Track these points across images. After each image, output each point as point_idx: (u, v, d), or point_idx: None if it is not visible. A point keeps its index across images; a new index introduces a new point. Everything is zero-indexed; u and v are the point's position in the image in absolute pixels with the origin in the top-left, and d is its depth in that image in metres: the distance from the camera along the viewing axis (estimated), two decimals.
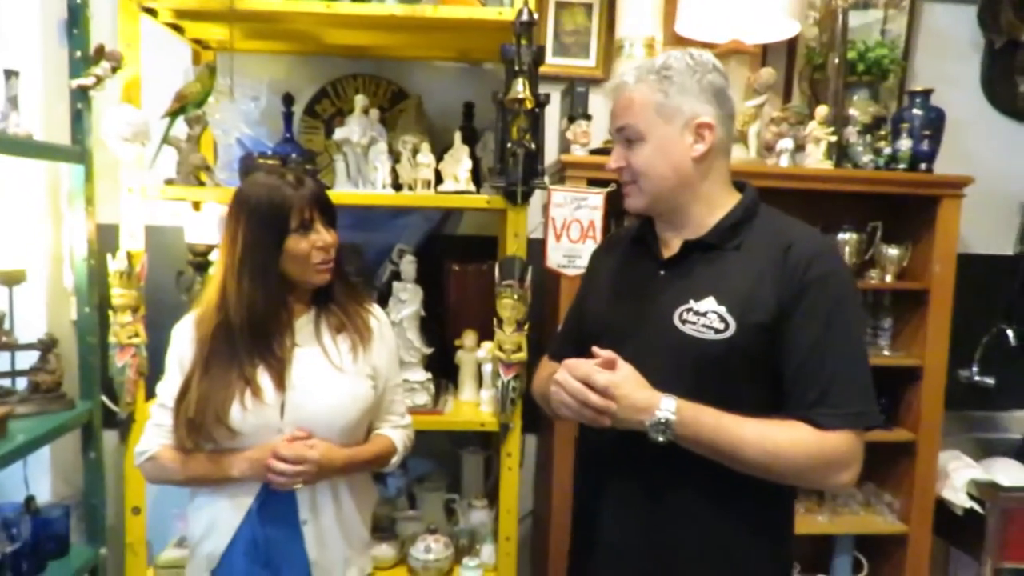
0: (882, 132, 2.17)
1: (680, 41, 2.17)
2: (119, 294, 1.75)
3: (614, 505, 1.27)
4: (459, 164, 1.92)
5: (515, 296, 1.78)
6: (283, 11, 1.76)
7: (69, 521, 1.90)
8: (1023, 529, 2.11)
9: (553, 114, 2.19)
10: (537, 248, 1.95)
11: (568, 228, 1.86)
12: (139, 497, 1.84)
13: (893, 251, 2.21)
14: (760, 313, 1.14)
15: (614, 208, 1.80)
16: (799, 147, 2.12)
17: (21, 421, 1.74)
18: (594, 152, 1.99)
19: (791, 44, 2.38)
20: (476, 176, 1.98)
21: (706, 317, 1.16)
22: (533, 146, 1.74)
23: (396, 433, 1.52)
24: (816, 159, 2.08)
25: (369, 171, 1.91)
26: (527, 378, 1.73)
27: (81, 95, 1.85)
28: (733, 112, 1.26)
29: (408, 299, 1.94)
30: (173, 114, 1.82)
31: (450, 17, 1.77)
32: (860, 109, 2.23)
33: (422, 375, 1.95)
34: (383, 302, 1.88)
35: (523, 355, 1.81)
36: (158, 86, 1.87)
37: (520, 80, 1.70)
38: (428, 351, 1.98)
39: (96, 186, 1.93)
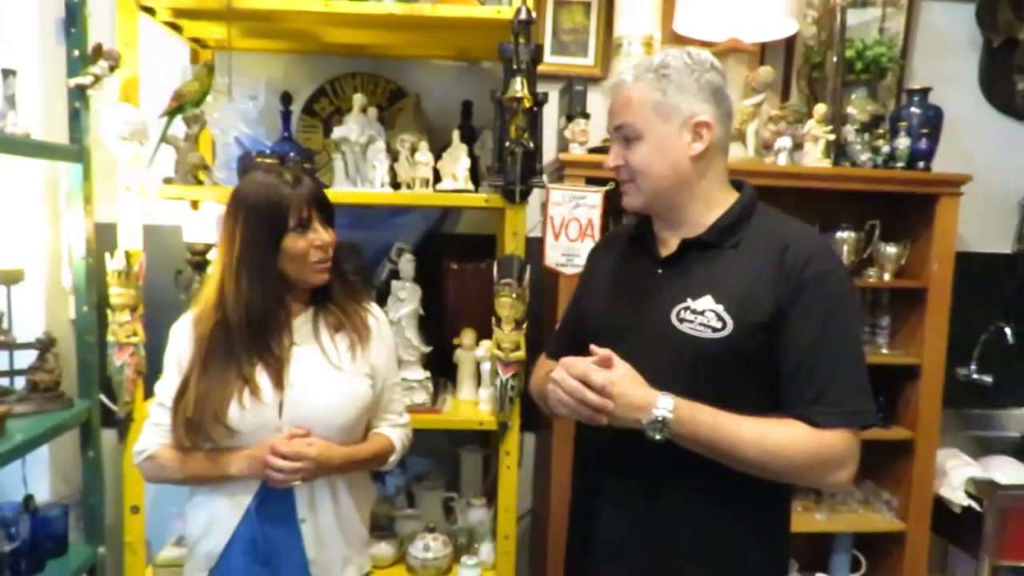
0: (880, 130, 2.17)
1: (678, 40, 2.17)
2: (117, 293, 1.76)
3: (611, 503, 1.27)
4: (457, 163, 1.92)
5: (513, 295, 1.78)
6: (281, 10, 1.75)
7: (68, 520, 1.91)
8: (1021, 527, 2.10)
9: (551, 113, 2.20)
10: (535, 247, 1.95)
11: (566, 227, 1.86)
12: (138, 496, 1.84)
13: (891, 249, 2.21)
14: (757, 312, 1.14)
15: (612, 207, 1.80)
16: (797, 145, 2.11)
17: (20, 420, 1.75)
18: (592, 151, 1.99)
19: (789, 42, 2.38)
20: (474, 175, 1.98)
21: (703, 316, 1.16)
22: (531, 145, 1.75)
23: (394, 432, 1.52)
24: (814, 157, 2.08)
25: (367, 170, 1.91)
26: (525, 377, 1.73)
27: (79, 94, 1.85)
28: (731, 111, 1.26)
29: (406, 298, 1.94)
30: (171, 113, 1.82)
31: (448, 16, 1.77)
32: (858, 107, 2.22)
33: (420, 374, 1.95)
34: (382, 301, 1.88)
35: (521, 354, 1.81)
36: (156, 85, 1.87)
37: (518, 79, 1.70)
38: (426, 350, 1.98)
39: (94, 185, 1.93)
